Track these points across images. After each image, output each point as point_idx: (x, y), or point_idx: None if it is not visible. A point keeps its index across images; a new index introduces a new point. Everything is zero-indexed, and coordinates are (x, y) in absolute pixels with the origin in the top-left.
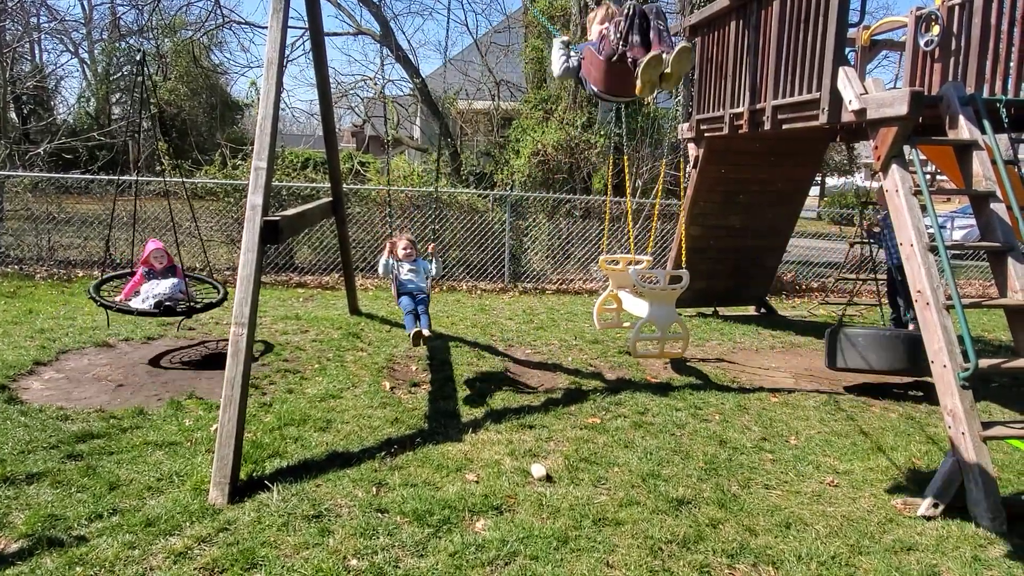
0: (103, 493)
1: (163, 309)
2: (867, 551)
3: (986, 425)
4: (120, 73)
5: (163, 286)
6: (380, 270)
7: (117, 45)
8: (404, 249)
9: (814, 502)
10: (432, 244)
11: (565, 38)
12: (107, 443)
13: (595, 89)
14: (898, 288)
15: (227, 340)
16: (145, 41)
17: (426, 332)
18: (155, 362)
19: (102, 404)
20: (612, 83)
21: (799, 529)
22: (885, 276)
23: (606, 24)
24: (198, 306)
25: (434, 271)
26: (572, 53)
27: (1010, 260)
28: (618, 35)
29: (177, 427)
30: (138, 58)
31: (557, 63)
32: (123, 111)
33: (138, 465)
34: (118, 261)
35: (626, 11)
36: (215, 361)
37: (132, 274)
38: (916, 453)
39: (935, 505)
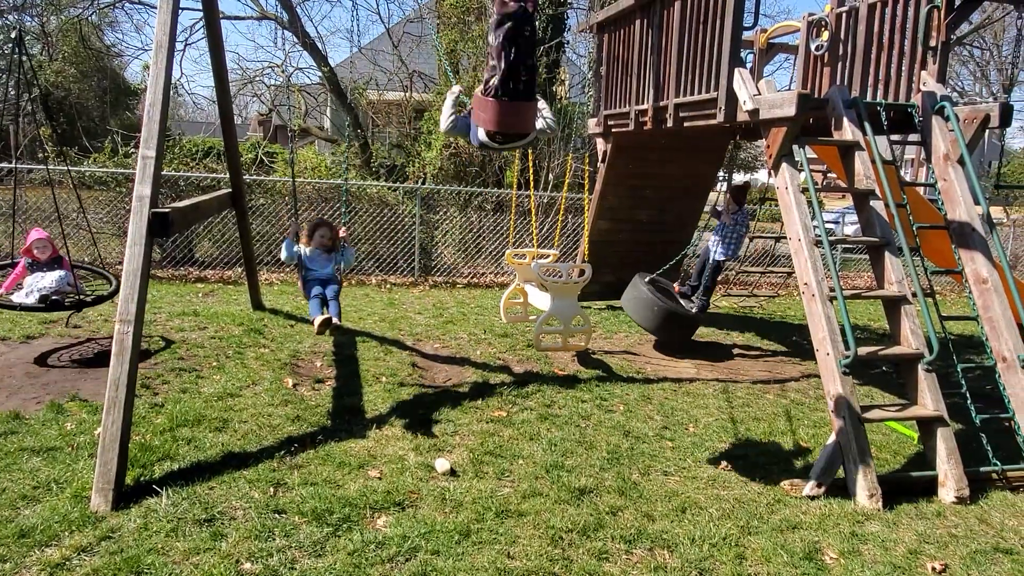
0: None
1: (49, 304)
2: (756, 531)
3: (865, 408)
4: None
5: (48, 279)
6: (283, 254)
7: None
8: (321, 238)
9: (709, 486)
10: (343, 228)
11: (459, 87)
12: None
13: (488, 132)
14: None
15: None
16: (28, 18)
17: (335, 320)
18: (37, 362)
19: None
20: (505, 116)
21: (694, 513)
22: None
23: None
24: (88, 299)
25: (346, 261)
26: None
27: (887, 254)
28: (497, 61)
29: (57, 431)
30: (14, 35)
31: (445, 117)
32: (3, 93)
33: (12, 473)
34: None
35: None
36: (103, 360)
37: (13, 265)
38: (804, 437)
39: (819, 485)
